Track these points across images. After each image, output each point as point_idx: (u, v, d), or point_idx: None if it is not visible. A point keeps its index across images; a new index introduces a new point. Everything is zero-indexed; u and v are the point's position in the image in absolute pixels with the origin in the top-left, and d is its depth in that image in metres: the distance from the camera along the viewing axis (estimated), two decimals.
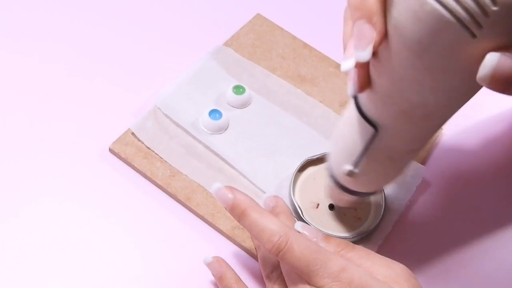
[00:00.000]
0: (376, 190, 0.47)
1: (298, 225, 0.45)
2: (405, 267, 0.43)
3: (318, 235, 0.45)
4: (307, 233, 0.44)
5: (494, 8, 0.29)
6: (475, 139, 0.60)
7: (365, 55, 0.34)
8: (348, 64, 0.35)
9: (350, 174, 0.43)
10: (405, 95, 0.36)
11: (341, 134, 0.44)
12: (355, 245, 0.45)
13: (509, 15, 0.29)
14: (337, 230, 0.51)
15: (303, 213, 0.51)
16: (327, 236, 0.45)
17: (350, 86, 0.37)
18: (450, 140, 0.59)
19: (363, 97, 0.39)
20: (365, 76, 0.37)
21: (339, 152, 0.44)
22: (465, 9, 0.29)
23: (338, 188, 0.46)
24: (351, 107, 0.41)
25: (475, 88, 0.35)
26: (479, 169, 0.58)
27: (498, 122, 0.62)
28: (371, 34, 0.33)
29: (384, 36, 0.34)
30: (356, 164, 0.42)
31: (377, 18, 0.33)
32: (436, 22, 0.30)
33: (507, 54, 0.29)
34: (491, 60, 0.29)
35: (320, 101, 0.59)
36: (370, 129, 0.39)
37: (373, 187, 0.46)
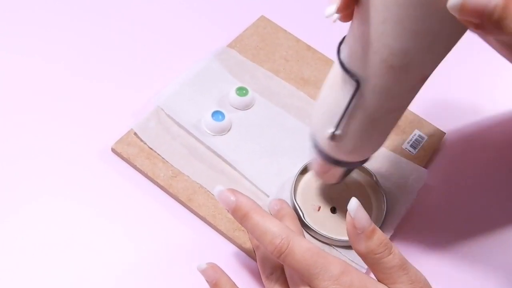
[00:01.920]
0: (361, 159, 0.46)
1: (353, 205, 0.41)
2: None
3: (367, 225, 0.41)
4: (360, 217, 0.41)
5: None
6: (476, 143, 0.60)
7: None
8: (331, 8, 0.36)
9: (333, 137, 0.43)
10: (386, 41, 0.36)
11: (323, 96, 0.44)
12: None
13: None
14: (338, 233, 0.51)
15: (305, 216, 0.51)
16: (374, 229, 0.42)
17: (331, 4, 0.37)
18: (452, 144, 0.59)
19: (346, 52, 0.40)
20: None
21: (321, 115, 0.44)
22: None
23: (323, 159, 0.46)
24: (334, 68, 0.42)
25: (454, 35, 0.36)
26: (481, 172, 0.58)
27: (500, 126, 0.61)
28: None
29: None
30: (338, 125, 0.42)
31: None
32: None
33: None
34: None
35: None
36: (352, 83, 0.39)
37: (357, 154, 0.45)
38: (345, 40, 0.40)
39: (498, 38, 0.32)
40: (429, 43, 0.36)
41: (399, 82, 0.39)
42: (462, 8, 0.30)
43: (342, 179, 0.49)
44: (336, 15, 0.37)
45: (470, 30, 0.33)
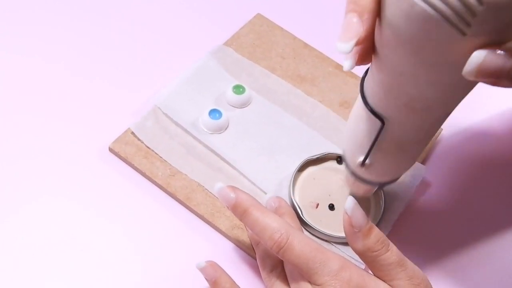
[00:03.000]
0: (393, 179, 0.48)
1: (350, 203, 0.41)
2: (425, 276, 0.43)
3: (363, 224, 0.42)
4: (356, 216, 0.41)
5: (481, 8, 0.30)
6: (475, 139, 0.60)
7: (347, 47, 0.35)
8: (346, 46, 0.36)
9: (363, 165, 0.44)
10: (405, 89, 0.37)
11: (351, 128, 0.45)
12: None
13: (496, 13, 0.30)
14: (336, 230, 0.51)
15: (303, 213, 0.51)
16: (371, 227, 0.42)
17: (347, 60, 0.37)
18: (450, 139, 0.59)
19: (369, 92, 0.40)
20: (363, 50, 0.37)
21: (351, 145, 0.45)
22: (453, 9, 0.30)
23: (355, 178, 0.47)
24: (359, 102, 0.42)
25: (471, 82, 0.36)
26: (479, 169, 0.58)
27: (498, 122, 0.62)
28: (357, 29, 0.35)
29: (370, 35, 0.35)
30: (367, 155, 0.43)
31: (368, 16, 0.35)
32: (426, 22, 0.31)
33: (494, 51, 0.31)
34: (477, 57, 0.31)
35: (320, 101, 0.59)
36: (377, 122, 0.40)
37: (388, 177, 0.47)
38: (367, 76, 0.41)
39: None
40: (448, 91, 0.37)
41: (422, 120, 0.40)
42: (478, 73, 0.31)
43: (378, 189, 0.50)
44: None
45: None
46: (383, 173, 0.46)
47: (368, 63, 0.39)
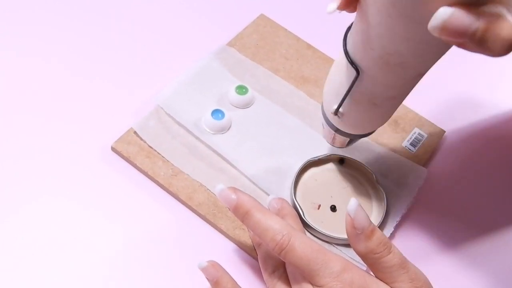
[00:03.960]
0: (364, 133, 0.48)
1: (352, 205, 0.41)
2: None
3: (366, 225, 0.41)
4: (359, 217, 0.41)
5: None
6: (477, 141, 0.60)
7: None
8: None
9: (336, 113, 0.45)
10: (381, 42, 0.38)
11: (331, 73, 0.46)
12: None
13: None
14: (338, 231, 0.51)
15: (305, 214, 0.51)
16: (374, 229, 0.41)
17: (332, 1, 0.38)
18: (452, 142, 0.59)
19: (350, 42, 0.41)
20: None
21: (328, 93, 0.46)
22: None
23: (330, 127, 0.48)
24: (341, 53, 0.43)
25: (444, 43, 0.36)
26: (481, 170, 0.58)
27: (499, 124, 0.61)
28: None
29: None
30: (341, 104, 0.44)
31: None
32: None
33: (464, 10, 0.30)
34: (443, 13, 0.30)
35: None
36: (353, 71, 0.41)
37: (360, 129, 0.47)
38: (351, 28, 0.42)
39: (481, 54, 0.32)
40: (421, 49, 0.37)
41: (396, 76, 0.40)
42: (442, 30, 0.30)
43: (349, 145, 0.51)
44: (338, 11, 0.38)
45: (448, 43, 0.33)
46: (354, 124, 0.46)
47: (352, 10, 0.39)
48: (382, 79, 0.41)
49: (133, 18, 0.63)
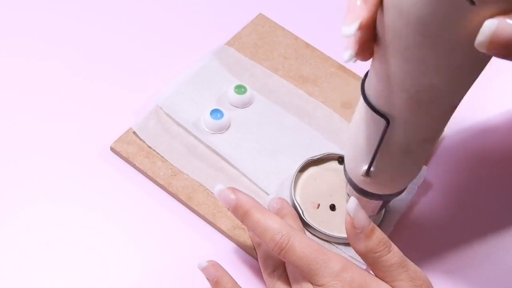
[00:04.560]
0: (396, 191, 0.46)
1: (352, 204, 0.41)
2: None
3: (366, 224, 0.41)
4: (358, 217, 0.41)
5: None
6: (475, 140, 0.60)
7: (351, 29, 0.34)
8: (349, 29, 0.35)
9: (367, 174, 0.43)
10: (411, 79, 0.36)
11: (353, 135, 0.43)
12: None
13: None
14: (338, 230, 0.51)
15: (304, 213, 0.51)
16: (373, 229, 0.41)
17: (347, 50, 0.36)
18: (452, 140, 0.59)
19: (371, 91, 0.39)
20: (365, 39, 0.36)
21: (353, 154, 0.44)
22: None
23: (359, 193, 0.46)
24: (360, 106, 0.42)
25: (479, 65, 0.35)
26: (480, 169, 0.58)
27: (499, 122, 0.61)
28: (360, 11, 0.34)
29: (372, 18, 0.34)
30: (372, 162, 0.42)
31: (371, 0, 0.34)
32: None
33: (506, 19, 0.29)
34: (490, 26, 0.29)
35: (322, 102, 0.59)
36: (381, 121, 0.39)
37: (392, 187, 0.45)
38: (367, 78, 0.40)
39: None
40: (454, 76, 0.36)
41: (429, 115, 0.38)
42: (491, 43, 0.30)
43: (381, 210, 0.49)
44: (354, 58, 0.36)
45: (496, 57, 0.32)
46: (389, 182, 0.44)
47: (368, 57, 0.37)
48: (414, 122, 0.39)
49: (131, 18, 0.63)
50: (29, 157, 0.53)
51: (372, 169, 0.42)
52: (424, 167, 0.56)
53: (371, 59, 0.38)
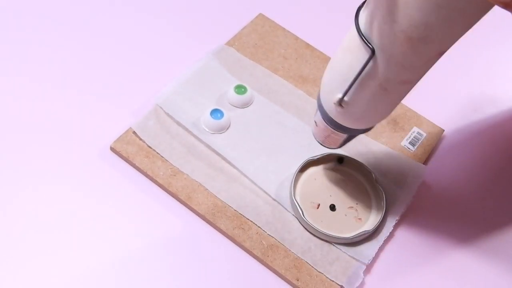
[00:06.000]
0: (365, 127, 0.46)
1: None
2: None
3: None
4: None
5: None
6: (476, 140, 0.60)
7: None
8: None
9: (340, 103, 0.42)
10: (408, 11, 0.36)
11: (336, 59, 0.43)
12: None
13: None
14: (337, 230, 0.51)
15: (304, 213, 0.51)
16: None
17: None
18: (451, 141, 0.59)
19: (365, 18, 0.39)
20: None
21: (331, 79, 0.43)
22: None
23: (326, 122, 0.45)
24: (350, 34, 0.41)
25: (477, 12, 0.35)
26: (480, 169, 0.58)
27: (498, 122, 0.61)
28: None
29: None
30: (347, 91, 0.41)
31: None
32: None
33: None
34: None
35: None
36: (365, 52, 0.39)
37: (362, 122, 0.45)
38: (365, 5, 0.39)
39: None
40: (451, 18, 0.35)
41: (415, 54, 0.38)
42: None
43: (342, 145, 0.48)
44: None
45: (499, 6, 0.31)
46: (358, 116, 0.43)
47: None
48: (399, 59, 0.38)
49: (132, 18, 0.63)
50: (29, 157, 0.53)
51: (346, 98, 0.42)
52: (424, 166, 0.56)
53: None
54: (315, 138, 0.49)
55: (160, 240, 0.50)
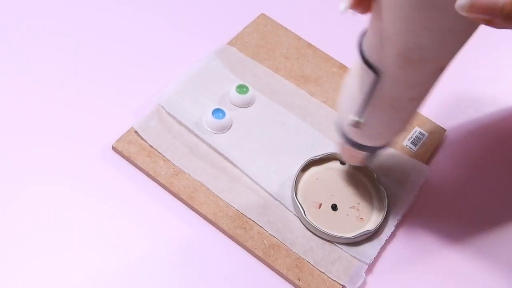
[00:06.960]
0: (383, 144, 0.48)
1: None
2: None
3: None
4: None
5: None
6: (478, 140, 0.60)
7: None
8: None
9: (356, 124, 0.44)
10: (401, 37, 0.37)
11: (347, 84, 0.45)
12: None
13: None
14: (339, 230, 0.51)
15: (306, 213, 0.51)
16: None
17: (343, 1, 0.37)
18: (454, 141, 0.59)
19: (366, 44, 0.41)
20: None
21: (345, 103, 0.45)
22: None
23: (347, 143, 0.47)
24: (357, 59, 0.43)
25: (468, 29, 0.36)
26: (482, 169, 0.58)
27: (501, 122, 0.61)
28: None
29: None
30: (360, 113, 0.43)
31: None
32: None
33: None
34: None
35: (324, 102, 0.59)
36: (372, 75, 0.40)
37: (379, 140, 0.47)
38: (366, 32, 0.41)
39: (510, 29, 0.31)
40: (443, 38, 0.37)
41: (417, 73, 0.40)
42: (470, 8, 0.30)
43: (368, 162, 0.50)
44: (351, 10, 0.38)
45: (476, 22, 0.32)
46: (374, 135, 0.46)
47: (365, 11, 0.38)
48: (402, 79, 0.40)
49: (134, 17, 0.64)
50: (30, 157, 0.53)
51: (360, 119, 0.44)
52: (426, 166, 0.56)
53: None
54: (343, 159, 0.52)
55: (161, 239, 0.50)
